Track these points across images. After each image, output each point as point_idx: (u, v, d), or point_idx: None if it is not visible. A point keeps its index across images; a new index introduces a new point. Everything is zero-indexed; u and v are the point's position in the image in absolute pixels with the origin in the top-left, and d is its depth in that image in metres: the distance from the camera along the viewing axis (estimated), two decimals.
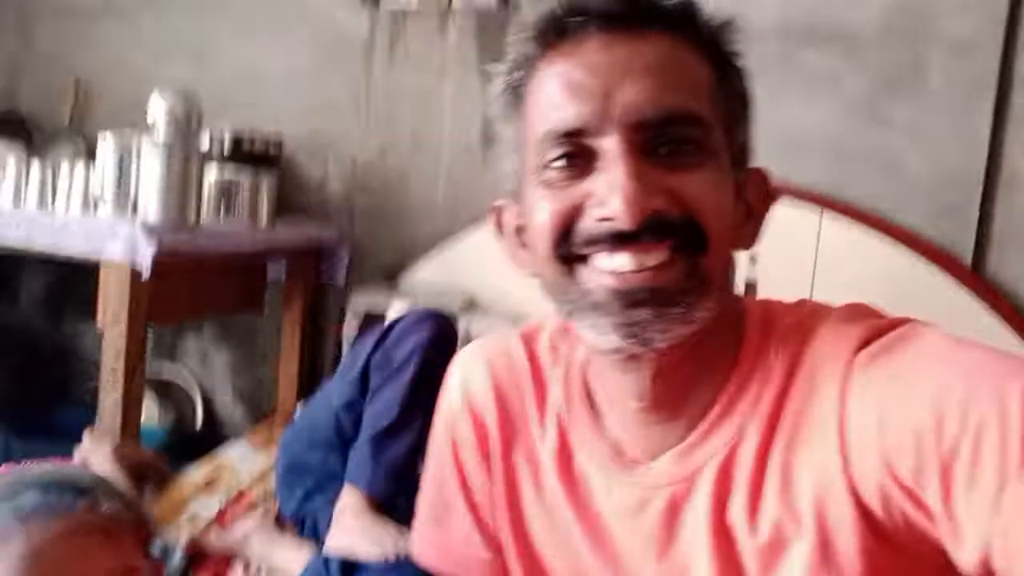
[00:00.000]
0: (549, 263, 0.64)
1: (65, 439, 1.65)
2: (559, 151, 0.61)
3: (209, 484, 1.74)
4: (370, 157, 2.48)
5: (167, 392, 2.69)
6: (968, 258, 2.18)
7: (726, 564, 0.62)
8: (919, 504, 0.53)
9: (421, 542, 0.85)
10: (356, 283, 2.52)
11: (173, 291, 1.97)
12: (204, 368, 2.72)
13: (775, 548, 0.60)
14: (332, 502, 1.52)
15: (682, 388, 0.65)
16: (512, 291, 2.47)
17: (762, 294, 2.31)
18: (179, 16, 2.61)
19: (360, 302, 2.39)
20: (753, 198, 0.67)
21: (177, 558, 1.36)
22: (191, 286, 2.12)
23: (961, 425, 0.50)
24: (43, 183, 2.12)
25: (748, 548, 0.61)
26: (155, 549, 1.34)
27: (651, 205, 0.58)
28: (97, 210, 1.99)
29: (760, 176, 0.68)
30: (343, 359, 1.81)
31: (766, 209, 0.68)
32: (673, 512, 0.65)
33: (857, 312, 0.65)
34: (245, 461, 1.88)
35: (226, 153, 2.15)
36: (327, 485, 1.54)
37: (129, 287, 1.85)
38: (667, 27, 0.61)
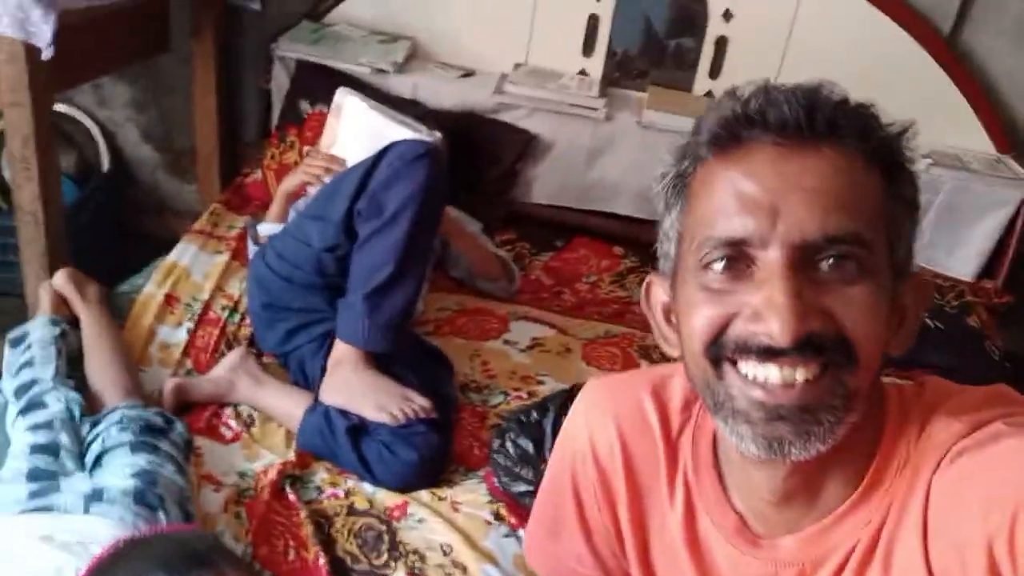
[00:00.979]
0: (699, 360, 0.64)
1: None
2: (721, 256, 0.61)
3: (169, 302, 1.63)
4: None
5: (64, 134, 2.36)
6: (946, 30, 2.10)
7: None
8: None
9: (532, 545, 0.89)
10: (274, 14, 2.18)
11: (73, 54, 1.64)
12: (101, 102, 2.38)
13: None
14: (317, 341, 1.47)
15: (815, 484, 0.67)
16: (462, 33, 2.20)
17: (733, 52, 2.20)
18: None
19: (291, 48, 2.07)
20: (909, 303, 0.66)
21: (179, 428, 1.31)
22: (92, 42, 1.78)
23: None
24: None
25: None
26: (159, 419, 1.28)
27: (806, 327, 0.58)
28: None
29: (919, 281, 0.67)
30: (315, 195, 1.60)
31: (920, 313, 0.67)
32: None
33: (985, 399, 0.66)
34: (198, 262, 1.74)
35: None
36: (310, 324, 1.48)
37: (26, 63, 1.53)
38: (840, 138, 0.61)
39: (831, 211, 0.59)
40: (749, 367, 0.60)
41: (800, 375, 0.59)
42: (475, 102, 2.10)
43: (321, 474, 1.36)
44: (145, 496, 1.10)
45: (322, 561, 1.18)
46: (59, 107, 2.31)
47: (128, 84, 2.36)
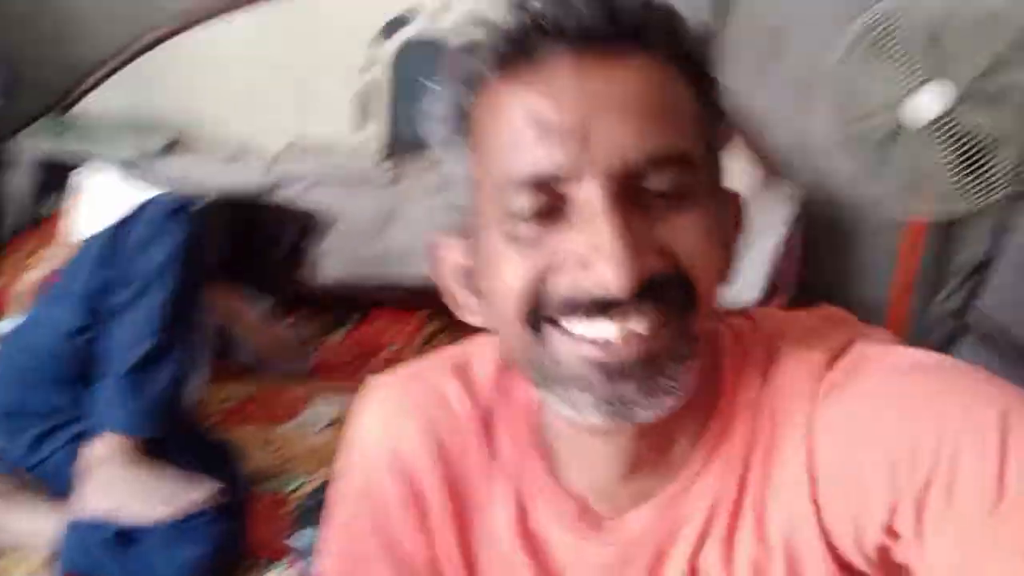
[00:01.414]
0: (514, 327, 0.54)
1: None
2: (528, 202, 0.52)
3: None
4: None
5: None
6: None
7: None
8: (893, 536, 0.54)
9: None
10: (14, 114, 1.97)
11: None
12: None
13: None
14: (70, 445, 1.26)
15: (661, 447, 0.60)
16: (229, 119, 2.10)
17: None
18: None
19: (32, 146, 1.88)
20: (729, 227, 0.61)
21: None
22: None
23: (934, 457, 0.51)
24: None
25: None
26: None
27: (644, 268, 0.50)
28: None
29: (735, 202, 0.62)
30: (59, 277, 1.41)
31: (738, 237, 0.62)
32: (657, 567, 0.61)
33: (823, 324, 0.62)
34: None
35: None
36: (60, 427, 1.26)
37: None
38: (646, 45, 0.53)
39: (650, 129, 0.52)
40: (578, 325, 0.52)
41: (639, 327, 0.51)
42: (247, 185, 1.99)
43: None
44: None
45: None
46: None
47: None
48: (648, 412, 0.53)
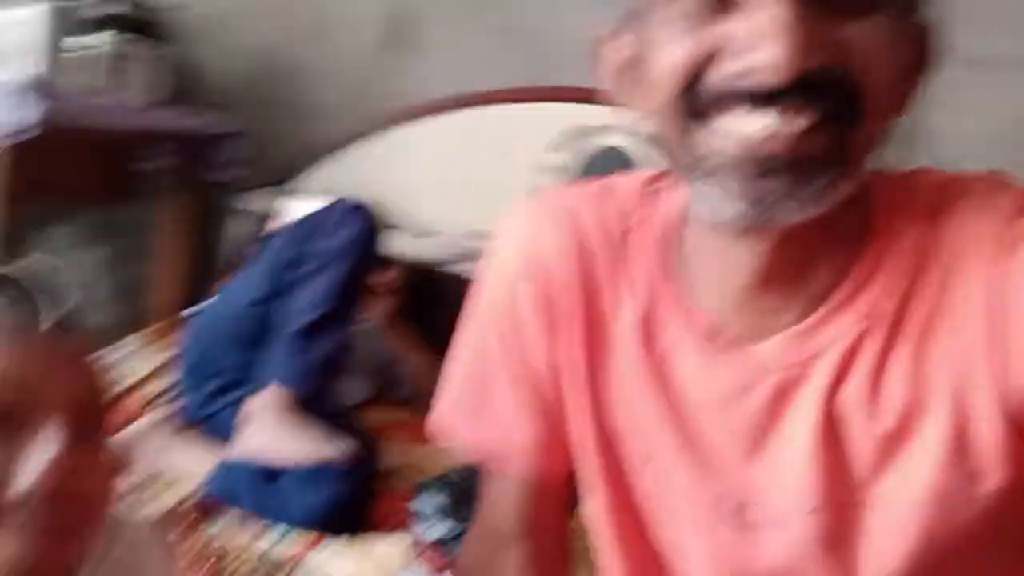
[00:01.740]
0: (668, 115, 0.54)
1: None
2: None
3: None
4: (270, 48, 2.27)
5: (22, 292, 2.38)
6: None
7: (832, 456, 0.58)
8: None
9: (453, 417, 0.74)
10: (243, 185, 2.33)
11: (33, 170, 1.71)
12: (74, 264, 2.44)
13: (900, 436, 0.56)
14: (241, 402, 1.40)
15: (801, 265, 0.57)
16: (422, 203, 2.35)
17: None
18: None
19: (255, 202, 2.20)
20: (915, 55, 0.56)
21: None
22: (54, 165, 1.87)
23: None
24: None
25: (862, 438, 0.57)
26: None
27: (811, 60, 0.48)
28: None
29: (928, 35, 0.57)
30: (248, 257, 1.65)
31: (922, 71, 0.56)
32: (780, 400, 0.59)
33: (996, 181, 0.59)
34: (139, 358, 1.71)
35: (110, 13, 1.88)
36: (237, 384, 1.42)
37: None
38: None
39: None
40: (732, 117, 0.51)
41: (796, 125, 0.49)
42: (430, 256, 2.18)
43: (226, 519, 1.22)
44: None
45: None
46: (20, 268, 2.37)
47: (101, 247, 2.44)
48: (790, 215, 0.51)
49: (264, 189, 2.25)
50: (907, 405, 0.55)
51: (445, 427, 0.74)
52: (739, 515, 0.62)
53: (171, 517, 1.16)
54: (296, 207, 1.86)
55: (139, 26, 1.93)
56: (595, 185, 0.69)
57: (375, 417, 1.69)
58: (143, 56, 1.93)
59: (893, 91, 0.52)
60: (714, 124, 0.51)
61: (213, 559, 1.09)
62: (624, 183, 0.69)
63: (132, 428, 1.40)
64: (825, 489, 0.58)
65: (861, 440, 0.57)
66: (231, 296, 1.47)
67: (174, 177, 2.21)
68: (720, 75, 0.50)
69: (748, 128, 0.50)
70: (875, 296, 0.56)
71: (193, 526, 1.17)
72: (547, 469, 0.71)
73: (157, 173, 2.21)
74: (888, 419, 0.55)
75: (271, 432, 1.29)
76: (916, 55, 0.56)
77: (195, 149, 2.21)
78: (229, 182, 2.30)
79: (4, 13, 1.69)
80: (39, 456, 0.54)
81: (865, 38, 0.49)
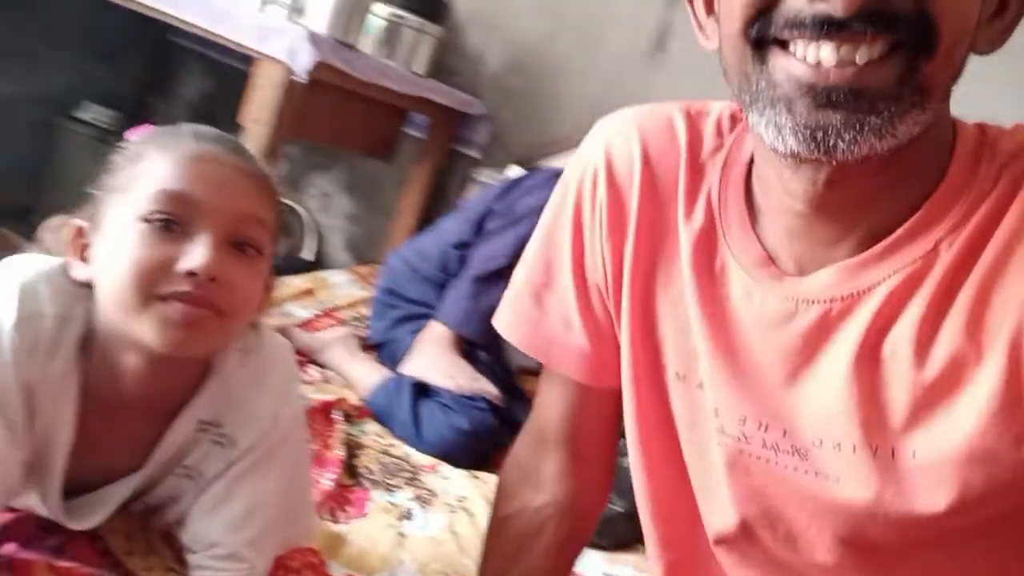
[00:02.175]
0: (737, 43, 0.55)
1: None
2: None
3: (306, 293, 1.77)
4: (534, 42, 2.42)
5: (285, 223, 2.74)
6: None
7: (867, 397, 0.56)
8: None
9: (513, 316, 0.78)
10: (488, 162, 2.50)
11: (318, 109, 1.99)
12: (324, 208, 2.76)
13: (947, 384, 0.53)
14: (414, 333, 1.52)
15: (861, 200, 0.57)
16: None
17: None
18: None
19: (488, 175, 2.36)
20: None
21: None
22: (335, 109, 2.14)
23: None
24: None
25: (905, 381, 0.54)
26: None
27: None
28: (264, 9, 2.01)
29: None
30: (459, 204, 1.79)
31: (1022, 8, 0.55)
32: (821, 333, 0.58)
33: None
34: (345, 287, 1.90)
35: None
36: (417, 317, 1.54)
37: (282, 89, 1.87)
38: None
39: None
40: (800, 45, 0.51)
41: (862, 55, 0.49)
42: None
43: (372, 426, 1.34)
44: None
45: (339, 454, 1.14)
46: (290, 202, 2.72)
47: (348, 198, 2.73)
48: (850, 147, 0.50)
49: (501, 168, 2.41)
50: (960, 355, 0.52)
51: (505, 325, 0.78)
52: (772, 439, 0.61)
53: (328, 406, 1.30)
54: (512, 171, 1.96)
55: (416, 4, 2.14)
56: (698, 104, 0.70)
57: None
58: (415, 31, 2.15)
59: (969, 20, 0.50)
60: (777, 53, 0.52)
61: (344, 448, 1.20)
62: (713, 111, 0.69)
63: (324, 332, 1.56)
64: (855, 429, 0.56)
65: (902, 385, 0.54)
66: (435, 236, 1.60)
67: (427, 143, 2.44)
68: (788, 3, 0.50)
69: (813, 57, 0.50)
70: (936, 239, 0.54)
71: (343, 421, 1.29)
72: (596, 377, 0.73)
73: (413, 138, 2.45)
74: (936, 366, 0.53)
75: (430, 360, 1.39)
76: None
77: (449, 122, 2.41)
78: (473, 157, 2.48)
79: None
80: (206, 246, 0.68)
81: None
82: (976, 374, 0.52)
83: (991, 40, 0.55)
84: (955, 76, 0.53)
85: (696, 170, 0.67)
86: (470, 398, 1.32)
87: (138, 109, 2.99)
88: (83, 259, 0.73)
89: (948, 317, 0.53)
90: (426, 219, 2.48)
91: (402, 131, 2.44)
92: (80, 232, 0.74)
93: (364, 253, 2.70)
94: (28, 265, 0.73)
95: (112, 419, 0.74)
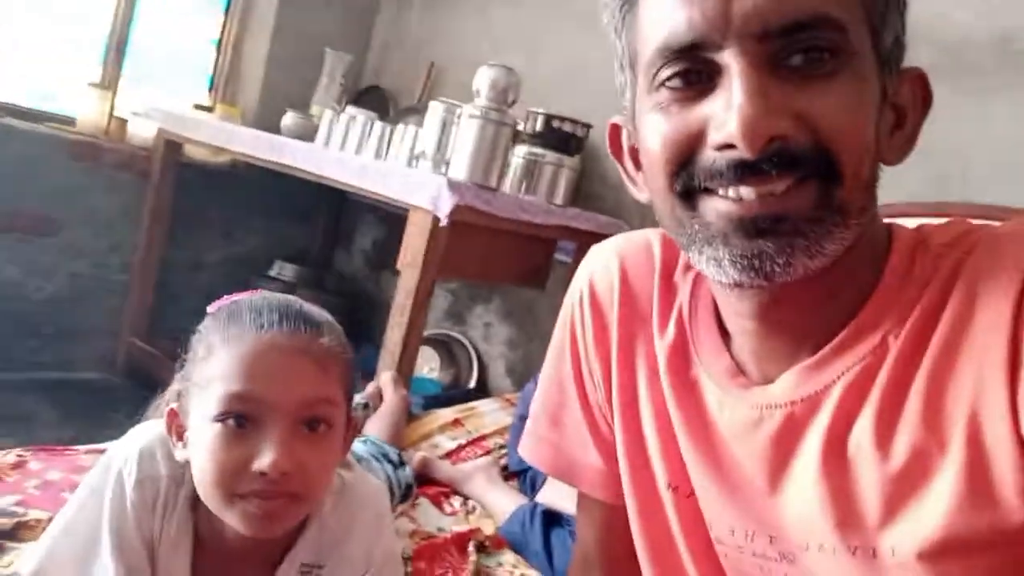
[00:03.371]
0: (666, 196, 0.58)
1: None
2: (673, 69, 0.54)
3: (455, 423, 1.85)
4: None
5: (451, 353, 2.90)
6: None
7: (841, 496, 0.56)
8: None
9: (535, 442, 0.82)
10: None
11: (466, 247, 2.13)
12: (486, 337, 2.89)
13: (913, 475, 0.53)
14: None
15: (806, 311, 0.59)
16: None
17: None
18: (524, 8, 2.82)
19: None
20: (907, 102, 0.57)
21: (407, 472, 1.46)
22: (483, 246, 2.27)
23: None
24: (381, 140, 2.41)
25: (873, 477, 0.54)
26: (395, 455, 1.45)
27: (774, 129, 0.51)
28: (417, 165, 2.21)
29: (915, 77, 0.58)
30: None
31: (921, 117, 0.58)
32: (789, 435, 0.59)
33: None
34: (493, 414, 1.96)
35: (536, 130, 2.27)
36: None
37: (428, 233, 2.03)
38: None
39: None
40: (722, 189, 0.54)
41: (777, 186, 0.52)
42: None
43: (508, 556, 1.35)
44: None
45: None
46: (455, 333, 2.87)
47: (508, 326, 2.84)
48: (785, 270, 0.53)
49: None
50: (921, 445, 0.52)
51: (529, 450, 0.82)
52: (760, 547, 0.61)
53: (463, 538, 1.33)
54: None
55: (552, 141, 2.27)
56: (661, 232, 0.74)
57: None
58: (554, 166, 2.27)
59: (866, 143, 0.53)
60: (707, 197, 0.55)
61: None
62: None
63: (469, 464, 1.62)
64: (832, 531, 0.55)
65: (871, 481, 0.54)
66: None
67: (574, 268, 2.52)
68: (705, 154, 0.54)
69: (735, 194, 0.53)
70: (883, 332, 0.55)
71: (477, 552, 1.32)
72: (616, 495, 0.75)
73: (564, 263, 2.54)
74: (899, 458, 0.52)
75: (562, 486, 1.40)
76: (913, 104, 0.57)
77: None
78: None
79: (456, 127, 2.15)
80: (273, 443, 0.74)
81: (827, 105, 0.51)
82: (941, 463, 0.51)
83: (898, 151, 0.57)
84: (868, 190, 0.55)
85: (669, 287, 0.71)
86: None
87: (322, 261, 3.32)
88: (180, 438, 0.81)
89: (905, 407, 0.53)
90: None
91: (553, 258, 2.54)
92: (174, 415, 0.82)
93: (523, 378, 2.77)
94: (147, 430, 0.84)
95: (223, 569, 0.82)
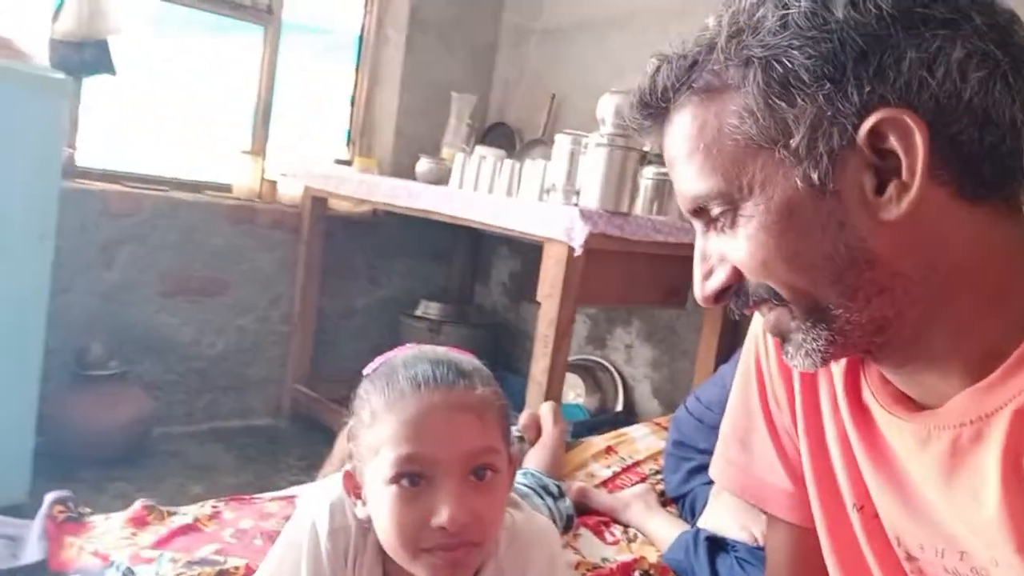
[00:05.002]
0: None
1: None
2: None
3: (608, 451, 1.86)
4: None
5: (595, 378, 2.92)
6: None
7: (1020, 518, 0.55)
8: None
9: (725, 464, 0.86)
10: None
11: (603, 274, 2.15)
12: (628, 360, 2.89)
13: None
14: (711, 484, 1.52)
15: (938, 360, 0.62)
16: None
17: None
18: (639, 32, 2.83)
19: None
20: (891, 148, 0.56)
21: (567, 503, 1.49)
22: (620, 271, 2.29)
23: None
24: (511, 176, 2.48)
25: None
26: (555, 488, 1.48)
27: (713, 280, 0.67)
28: (549, 197, 2.26)
29: (890, 119, 0.55)
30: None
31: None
32: (959, 455, 0.60)
33: None
34: (645, 439, 1.96)
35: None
36: (707, 466, 1.54)
37: (564, 264, 2.07)
38: None
39: None
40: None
41: (748, 312, 0.67)
42: None
43: None
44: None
45: None
46: (597, 358, 2.89)
47: (650, 347, 2.83)
48: (812, 364, 0.62)
49: None
50: None
51: (719, 473, 0.85)
52: (951, 563, 0.61)
53: (628, 567, 1.34)
54: None
55: None
56: None
57: None
58: None
59: (800, 274, 0.58)
60: None
61: None
62: None
63: (626, 491, 1.63)
64: (1015, 554, 0.55)
65: None
66: (716, 382, 1.62)
67: None
68: None
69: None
70: None
71: None
72: (804, 517, 0.76)
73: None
74: None
75: (725, 511, 1.39)
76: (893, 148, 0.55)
77: None
78: None
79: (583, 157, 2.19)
80: (448, 498, 0.79)
81: (738, 254, 0.60)
82: None
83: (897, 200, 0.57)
84: (827, 299, 0.60)
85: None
86: (761, 551, 1.29)
87: (463, 297, 3.43)
88: (359, 497, 0.86)
89: None
90: (724, 360, 2.48)
91: (688, 278, 2.52)
92: (349, 476, 0.87)
93: (669, 398, 2.75)
94: (334, 484, 0.90)
95: None
